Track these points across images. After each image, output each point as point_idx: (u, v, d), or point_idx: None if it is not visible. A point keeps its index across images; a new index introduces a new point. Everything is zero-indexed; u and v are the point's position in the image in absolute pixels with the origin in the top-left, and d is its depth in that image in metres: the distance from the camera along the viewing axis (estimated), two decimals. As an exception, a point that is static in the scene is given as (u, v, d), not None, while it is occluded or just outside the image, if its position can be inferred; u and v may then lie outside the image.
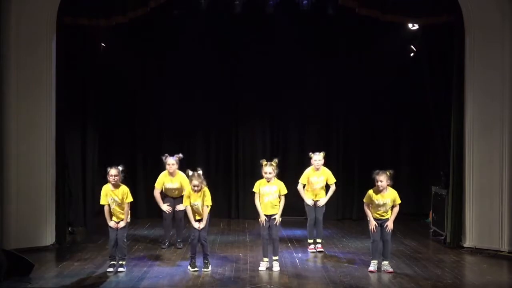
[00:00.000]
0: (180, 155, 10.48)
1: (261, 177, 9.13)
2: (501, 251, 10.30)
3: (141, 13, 10.77)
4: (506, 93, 10.34)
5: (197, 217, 9.04)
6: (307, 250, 10.35)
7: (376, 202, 8.95)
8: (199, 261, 9.09)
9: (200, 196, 9.00)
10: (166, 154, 10.48)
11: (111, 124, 13.41)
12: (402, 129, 13.93)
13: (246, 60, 13.48)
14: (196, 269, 8.95)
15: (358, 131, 13.77)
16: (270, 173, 9.03)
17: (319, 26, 13.11)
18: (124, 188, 9.00)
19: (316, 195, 10.35)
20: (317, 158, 10.33)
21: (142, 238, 11.33)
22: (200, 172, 9.08)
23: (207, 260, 9.05)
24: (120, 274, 8.73)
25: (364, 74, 13.35)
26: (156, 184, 10.49)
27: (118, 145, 13.59)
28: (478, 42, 10.46)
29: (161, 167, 11.25)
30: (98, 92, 12.26)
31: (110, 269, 8.84)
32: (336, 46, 13.35)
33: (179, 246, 10.42)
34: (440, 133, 11.18)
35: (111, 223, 8.93)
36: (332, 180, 10.42)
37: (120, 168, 8.96)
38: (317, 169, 10.34)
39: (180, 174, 10.31)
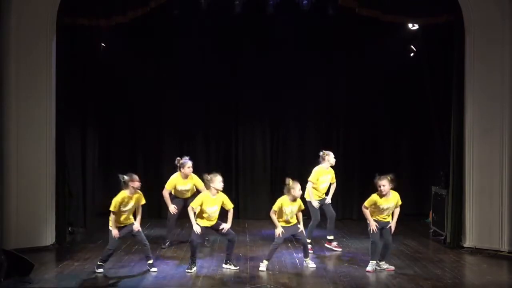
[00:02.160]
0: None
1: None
2: (501, 251, 10.31)
3: (141, 13, 10.77)
4: (506, 93, 10.34)
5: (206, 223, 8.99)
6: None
7: (381, 207, 8.91)
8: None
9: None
10: (186, 157, 10.41)
11: (111, 124, 13.42)
12: (402, 129, 13.92)
13: (246, 60, 13.47)
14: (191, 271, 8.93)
15: (358, 131, 13.78)
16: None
17: (319, 26, 13.10)
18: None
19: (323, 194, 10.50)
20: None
21: (142, 238, 11.33)
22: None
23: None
24: (153, 274, 8.78)
25: (364, 74, 13.35)
26: (166, 185, 10.41)
27: (118, 145, 13.59)
28: (478, 42, 10.47)
29: (161, 167, 11.28)
30: (98, 92, 12.26)
31: (100, 270, 8.84)
32: (336, 46, 13.34)
33: (207, 245, 10.55)
34: (440, 133, 11.18)
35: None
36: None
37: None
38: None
39: (193, 175, 10.33)
